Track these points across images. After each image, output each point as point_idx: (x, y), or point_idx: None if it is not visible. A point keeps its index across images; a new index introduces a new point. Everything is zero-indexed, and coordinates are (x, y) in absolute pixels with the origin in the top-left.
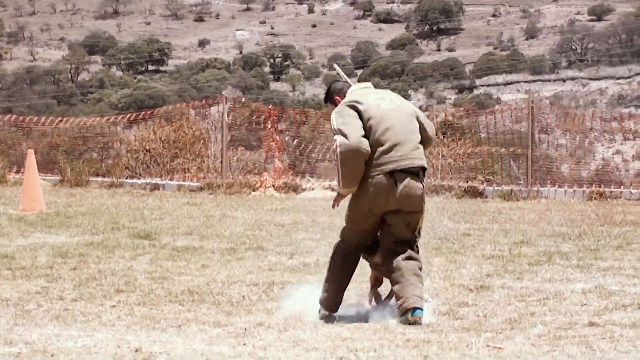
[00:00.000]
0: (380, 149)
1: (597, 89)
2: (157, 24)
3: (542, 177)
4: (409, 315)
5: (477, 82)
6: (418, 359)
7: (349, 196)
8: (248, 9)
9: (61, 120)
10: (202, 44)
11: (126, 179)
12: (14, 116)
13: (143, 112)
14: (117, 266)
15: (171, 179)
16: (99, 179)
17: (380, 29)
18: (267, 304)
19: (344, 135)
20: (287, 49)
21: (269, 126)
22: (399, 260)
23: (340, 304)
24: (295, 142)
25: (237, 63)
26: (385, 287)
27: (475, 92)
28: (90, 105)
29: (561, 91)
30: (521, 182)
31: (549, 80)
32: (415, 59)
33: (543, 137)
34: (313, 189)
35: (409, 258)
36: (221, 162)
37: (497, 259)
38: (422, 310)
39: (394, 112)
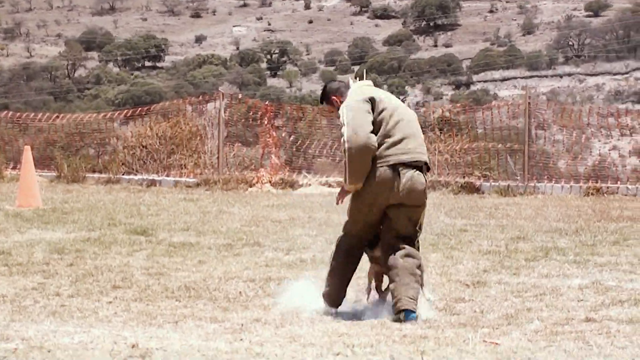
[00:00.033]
0: (390, 140)
1: (594, 84)
2: (154, 20)
3: (539, 172)
4: (401, 315)
5: (474, 78)
6: (415, 355)
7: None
8: (245, 5)
9: (58, 117)
10: (199, 40)
11: (123, 175)
12: (11, 112)
13: (140, 108)
14: (113, 262)
15: (168, 175)
16: (96, 175)
17: (377, 25)
18: (263, 299)
19: (354, 130)
20: (284, 45)
21: (266, 122)
22: (397, 258)
23: (344, 298)
24: (292, 138)
25: (234, 59)
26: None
27: (472, 88)
28: (86, 101)
29: (558, 87)
30: (518, 177)
31: (546, 76)
32: (412, 55)
33: (540, 132)
34: (310, 185)
35: (407, 255)
36: (218, 158)
37: (493, 254)
38: (414, 312)
39: (403, 108)
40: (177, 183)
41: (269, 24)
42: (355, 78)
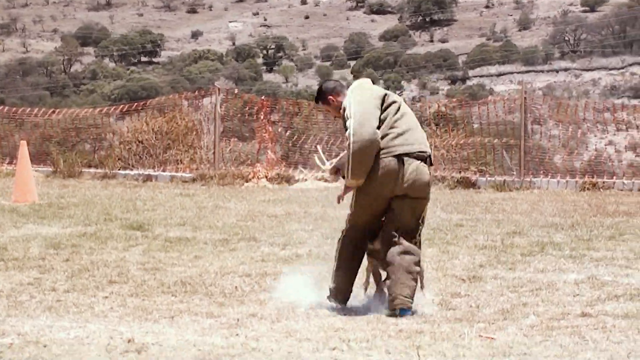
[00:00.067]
0: (396, 131)
1: (590, 79)
2: (150, 15)
3: (534, 167)
4: (397, 311)
5: (470, 73)
6: (410, 350)
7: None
8: (241, 1)
9: (54, 112)
10: (195, 35)
11: (119, 170)
12: (7, 107)
13: (136, 104)
14: (109, 257)
15: (164, 170)
16: (92, 170)
17: (373, 20)
18: (259, 294)
19: (360, 123)
20: (280, 40)
21: (262, 117)
22: (394, 255)
23: (351, 292)
24: (288, 133)
25: (230, 54)
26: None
27: (468, 83)
28: (82, 96)
29: (554, 82)
30: (514, 172)
31: (542, 71)
32: (408, 50)
33: (536, 127)
34: (306, 180)
35: (405, 252)
36: (214, 153)
37: (489, 249)
38: (408, 310)
39: (405, 104)
40: (173, 178)
41: (265, 19)
42: (352, 74)
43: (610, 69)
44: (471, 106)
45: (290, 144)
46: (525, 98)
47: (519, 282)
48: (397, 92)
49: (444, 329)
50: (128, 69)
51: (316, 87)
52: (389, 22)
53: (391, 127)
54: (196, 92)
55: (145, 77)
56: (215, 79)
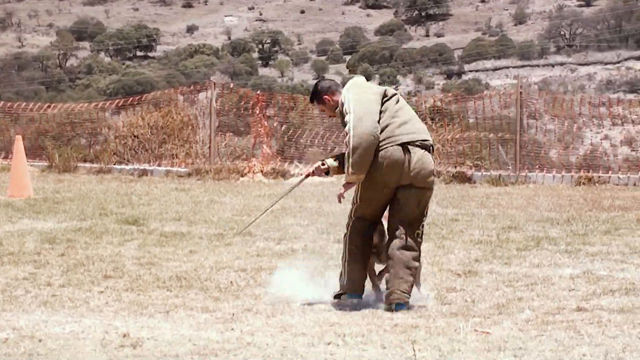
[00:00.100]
0: (399, 120)
1: (586, 74)
2: (146, 10)
3: (530, 162)
4: (392, 305)
5: (466, 67)
6: (406, 344)
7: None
8: None
9: (49, 106)
10: (191, 29)
11: (114, 164)
12: (2, 102)
13: (131, 98)
14: (105, 252)
15: (159, 165)
16: (87, 164)
17: (368, 15)
18: (255, 289)
19: (359, 118)
20: (275, 34)
21: (258, 112)
22: (394, 250)
23: (366, 280)
24: (283, 128)
25: (226, 49)
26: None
27: (464, 77)
28: (78, 91)
29: (550, 76)
30: (509, 167)
31: (538, 66)
32: (404, 45)
33: (531, 122)
34: (301, 174)
35: (405, 247)
36: (209, 147)
37: (485, 244)
38: (404, 305)
39: (402, 98)
40: (169, 173)
41: (261, 14)
42: (347, 68)
43: (606, 64)
44: (467, 101)
45: (285, 139)
46: (520, 92)
47: (514, 277)
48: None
49: (439, 323)
50: (123, 64)
51: (312, 82)
52: (384, 17)
53: (393, 117)
54: (192, 87)
55: (141, 72)
56: (210, 73)
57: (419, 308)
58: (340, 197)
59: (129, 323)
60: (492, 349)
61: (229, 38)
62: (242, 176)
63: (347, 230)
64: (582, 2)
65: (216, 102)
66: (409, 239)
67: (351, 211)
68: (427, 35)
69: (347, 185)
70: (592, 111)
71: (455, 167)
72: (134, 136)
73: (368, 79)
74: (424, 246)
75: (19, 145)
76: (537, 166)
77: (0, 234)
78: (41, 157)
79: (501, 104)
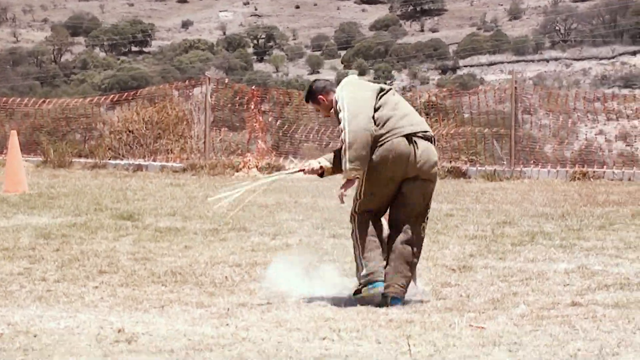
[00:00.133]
0: (400, 113)
1: (581, 69)
2: (141, 5)
3: (525, 157)
4: (388, 299)
5: (461, 62)
6: (401, 339)
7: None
8: None
9: (44, 102)
10: (186, 25)
11: (109, 160)
12: None
13: (126, 93)
14: (99, 247)
15: (154, 160)
16: (82, 160)
17: (363, 10)
18: (250, 284)
19: (354, 114)
20: (270, 29)
21: (252, 107)
22: (397, 243)
23: (385, 267)
24: (278, 123)
25: (221, 44)
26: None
27: (459, 72)
28: (73, 86)
29: (544, 72)
30: (504, 162)
31: (533, 61)
32: (399, 40)
33: (526, 117)
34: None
35: (407, 242)
36: (204, 143)
37: (480, 239)
38: (400, 300)
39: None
40: (164, 168)
41: (256, 9)
42: (342, 63)
43: (601, 59)
44: (462, 96)
45: (280, 134)
46: (515, 88)
47: (509, 272)
48: (388, 82)
49: (434, 318)
50: (118, 59)
51: (307, 77)
52: (379, 12)
53: (394, 109)
54: (187, 82)
55: (136, 67)
56: (205, 68)
57: (414, 303)
58: (341, 197)
59: (124, 318)
60: (487, 344)
61: (224, 33)
62: (237, 171)
63: (354, 225)
64: None
65: (211, 97)
66: (413, 233)
67: (354, 208)
68: (422, 31)
69: (347, 184)
70: (587, 106)
71: (450, 162)
72: (129, 131)
73: (363, 74)
74: None
75: (13, 141)
76: (532, 161)
77: None
78: (36, 152)
79: (496, 99)
